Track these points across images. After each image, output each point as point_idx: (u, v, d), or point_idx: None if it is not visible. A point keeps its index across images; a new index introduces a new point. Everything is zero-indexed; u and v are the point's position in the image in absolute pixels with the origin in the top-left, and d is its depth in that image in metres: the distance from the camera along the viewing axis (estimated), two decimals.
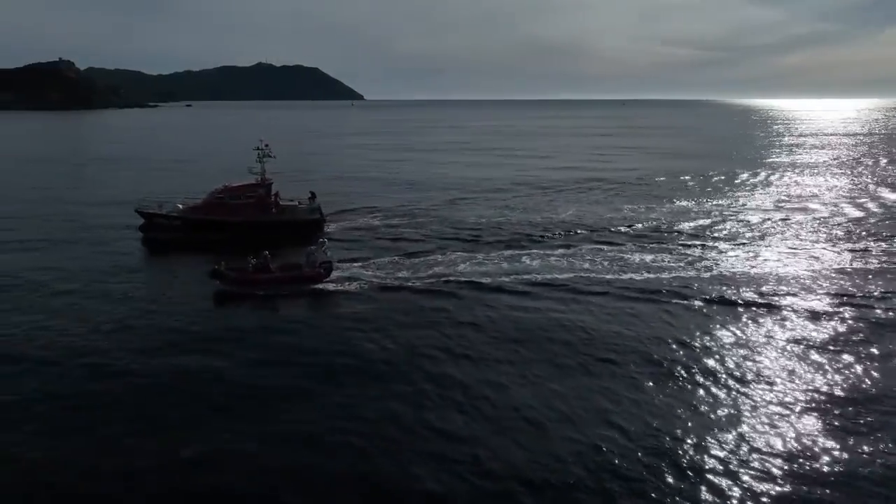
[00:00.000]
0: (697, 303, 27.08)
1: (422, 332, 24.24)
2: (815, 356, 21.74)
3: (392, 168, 79.11)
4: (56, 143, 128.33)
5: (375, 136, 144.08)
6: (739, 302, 27.09)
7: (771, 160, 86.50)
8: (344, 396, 19.30)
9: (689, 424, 17.35)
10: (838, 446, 16.38)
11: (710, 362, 21.33)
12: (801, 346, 22.50)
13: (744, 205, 50.34)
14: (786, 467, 15.46)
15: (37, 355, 22.12)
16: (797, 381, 19.92)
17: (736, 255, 34.29)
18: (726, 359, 21.58)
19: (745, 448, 16.26)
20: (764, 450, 16.18)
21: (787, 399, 18.79)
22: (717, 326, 24.43)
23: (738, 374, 20.47)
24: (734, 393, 19.23)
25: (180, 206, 41.22)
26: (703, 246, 36.28)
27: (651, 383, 19.91)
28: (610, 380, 20.26)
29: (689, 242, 37.16)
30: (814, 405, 18.48)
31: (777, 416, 17.80)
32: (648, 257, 34.10)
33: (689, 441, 16.56)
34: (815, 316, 25.40)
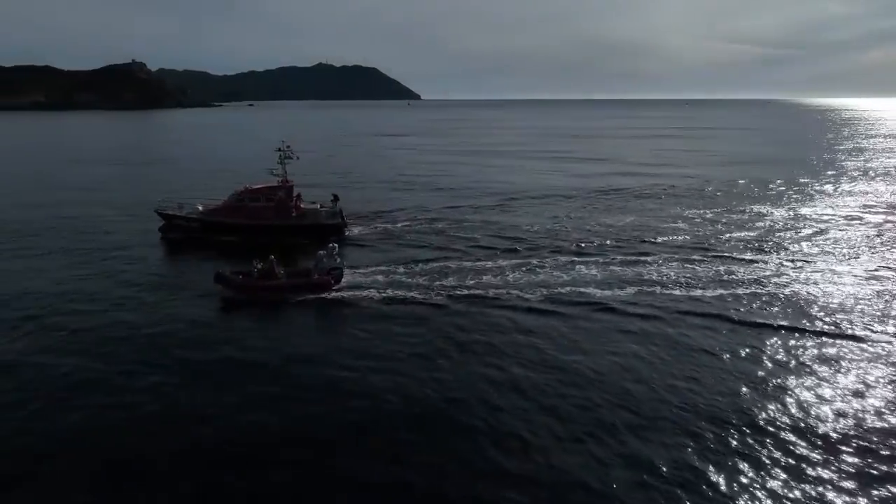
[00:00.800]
0: (776, 331, 23.55)
1: (434, 353, 21.74)
2: None
3: (439, 170, 76.27)
4: (120, 140, 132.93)
5: (426, 137, 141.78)
6: (827, 331, 23.57)
7: (850, 164, 79.84)
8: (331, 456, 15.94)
9: None
10: None
11: (792, 415, 17.81)
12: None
13: (820, 215, 45.63)
14: None
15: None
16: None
17: (814, 274, 30.43)
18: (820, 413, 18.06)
19: None
20: None
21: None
22: (800, 360, 20.91)
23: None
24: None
25: (200, 207, 40.80)
26: (775, 262, 32.37)
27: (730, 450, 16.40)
28: (691, 445, 16.16)
29: (759, 257, 33.31)
30: None
31: None
32: (721, 268, 31.23)
33: None
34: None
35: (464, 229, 41.14)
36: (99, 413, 17.92)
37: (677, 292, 27.63)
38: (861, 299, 26.84)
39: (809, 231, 40.20)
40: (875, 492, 14.41)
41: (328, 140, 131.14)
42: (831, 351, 21.80)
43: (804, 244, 36.69)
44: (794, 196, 54.37)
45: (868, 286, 28.64)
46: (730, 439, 16.43)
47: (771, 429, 16.95)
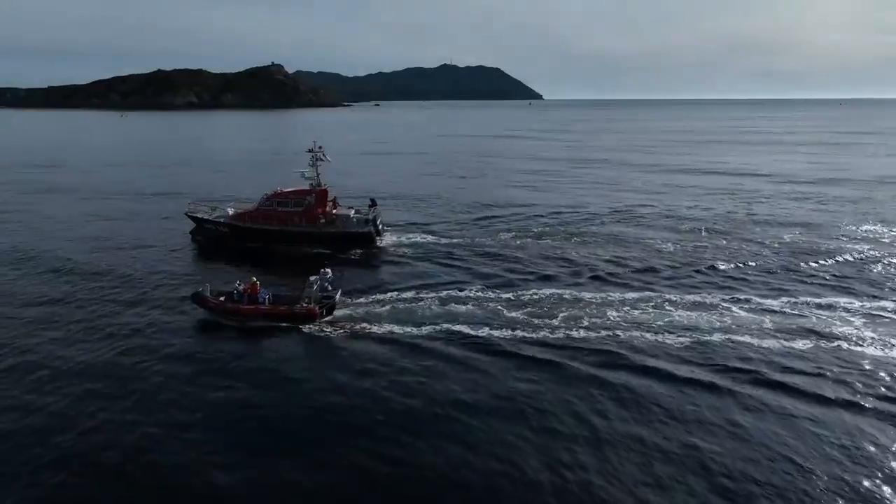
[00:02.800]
0: None
1: (428, 425, 17.41)
2: None
3: (532, 178, 68.74)
4: (257, 136, 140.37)
5: (532, 140, 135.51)
6: None
7: None
8: None
9: None
10: None
11: None
12: None
13: None
14: None
15: None
16: None
17: None
18: None
19: None
20: None
21: None
22: None
23: None
24: None
25: (230, 210, 39.40)
26: None
27: None
28: None
29: None
30: None
31: None
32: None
33: None
34: None
35: (525, 252, 35.44)
36: None
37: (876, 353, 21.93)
38: None
39: None
40: None
41: (426, 141, 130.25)
42: None
43: None
44: None
45: None
46: None
47: None
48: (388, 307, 26.06)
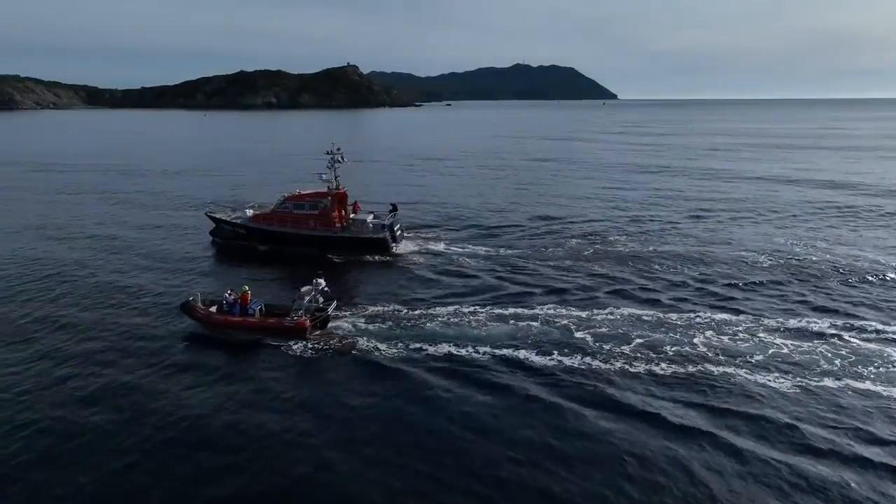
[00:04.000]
0: None
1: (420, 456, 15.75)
2: None
3: (606, 181, 65.35)
4: (330, 135, 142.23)
5: (607, 141, 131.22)
6: None
7: None
8: None
9: None
10: None
11: None
12: None
13: None
14: None
15: None
16: None
17: None
18: None
19: None
20: None
21: None
22: None
23: None
24: None
25: (250, 211, 39.01)
26: None
27: None
28: None
29: None
30: None
31: None
32: None
33: None
34: None
35: (554, 262, 33.05)
36: None
37: None
38: None
39: None
40: None
41: (484, 142, 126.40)
42: None
43: None
44: None
45: None
46: None
47: None
48: (388, 323, 24.25)
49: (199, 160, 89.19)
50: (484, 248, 36.19)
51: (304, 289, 24.02)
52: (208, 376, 20.25)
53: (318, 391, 19.23)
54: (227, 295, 24.33)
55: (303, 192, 37.70)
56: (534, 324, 23.93)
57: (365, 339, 22.71)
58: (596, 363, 20.60)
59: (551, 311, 25.31)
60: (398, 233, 36.83)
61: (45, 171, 75.35)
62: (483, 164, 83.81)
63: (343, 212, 37.01)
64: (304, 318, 23.08)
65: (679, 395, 18.61)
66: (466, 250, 35.84)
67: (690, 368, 20.26)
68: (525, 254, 34.98)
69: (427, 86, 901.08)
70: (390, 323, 24.27)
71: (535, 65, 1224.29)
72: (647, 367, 20.28)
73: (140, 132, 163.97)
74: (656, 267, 32.11)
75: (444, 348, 21.81)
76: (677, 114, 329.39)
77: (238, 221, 38.13)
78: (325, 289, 24.50)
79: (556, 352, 21.41)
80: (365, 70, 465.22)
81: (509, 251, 35.65)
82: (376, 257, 34.64)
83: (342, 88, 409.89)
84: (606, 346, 21.86)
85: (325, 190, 36.76)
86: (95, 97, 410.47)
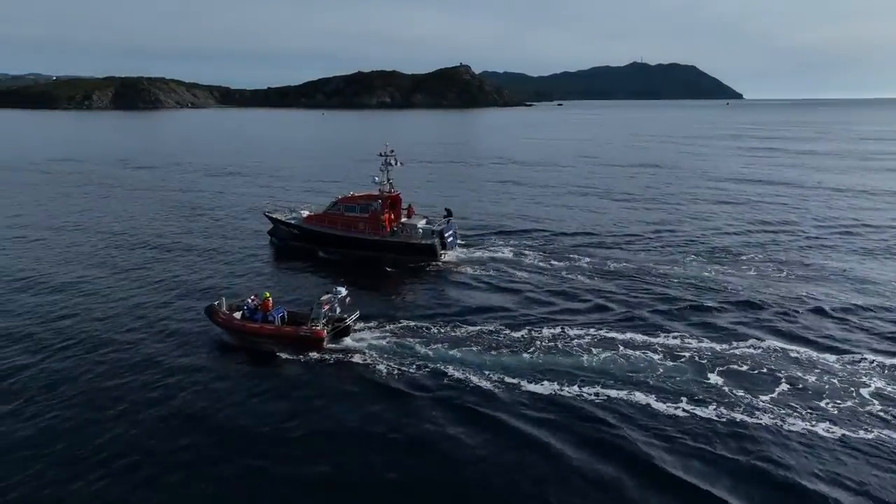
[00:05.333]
0: None
1: None
2: None
3: (723, 192, 58.81)
4: (440, 135, 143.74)
5: (728, 147, 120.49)
6: None
7: None
8: None
9: None
10: None
11: None
12: None
13: None
14: None
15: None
16: None
17: None
18: None
19: None
20: None
21: None
22: None
23: None
24: None
25: (305, 212, 38.50)
26: None
27: None
28: None
29: None
30: None
31: None
32: None
33: None
34: None
35: (617, 279, 30.23)
36: None
37: None
38: None
39: None
40: None
41: (583, 144, 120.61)
42: None
43: None
44: None
45: None
46: None
47: None
48: (416, 339, 22.68)
49: (313, 157, 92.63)
50: (550, 261, 33.64)
51: (323, 297, 22.95)
52: (204, 377, 20.27)
53: (311, 412, 18.01)
54: (250, 301, 23.83)
55: (355, 195, 37.36)
56: (604, 354, 21.45)
57: (376, 355, 21.53)
58: (721, 412, 17.72)
59: (635, 340, 22.77)
60: (449, 239, 35.40)
61: (173, 168, 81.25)
62: (579, 168, 79.73)
63: (393, 216, 36.32)
64: (320, 328, 22.25)
65: (865, 472, 15.25)
66: (527, 262, 33.63)
67: (864, 433, 16.67)
68: (628, 269, 31.93)
69: (538, 85, 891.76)
70: (414, 340, 22.74)
71: (652, 63, 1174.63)
72: (807, 424, 17.19)
73: (267, 129, 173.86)
74: (802, 292, 28.29)
75: (469, 378, 19.79)
76: (811, 114, 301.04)
77: (292, 222, 38.31)
78: (347, 298, 23.47)
79: (653, 395, 18.59)
80: (477, 70, 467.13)
81: (587, 266, 32.82)
82: (425, 264, 33.42)
83: (453, 88, 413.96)
84: (741, 392, 19.00)
85: (377, 192, 36.19)
86: (227, 97, 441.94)
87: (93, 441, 16.59)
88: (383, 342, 22.66)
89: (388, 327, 24.12)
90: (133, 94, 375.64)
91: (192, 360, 21.78)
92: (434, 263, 33.55)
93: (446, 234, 35.22)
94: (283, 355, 21.81)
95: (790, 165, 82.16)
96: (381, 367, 20.68)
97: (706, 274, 31.35)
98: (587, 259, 34.03)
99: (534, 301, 27.43)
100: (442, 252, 34.53)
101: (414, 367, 20.59)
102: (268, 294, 23.91)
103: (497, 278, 30.97)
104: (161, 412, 18.09)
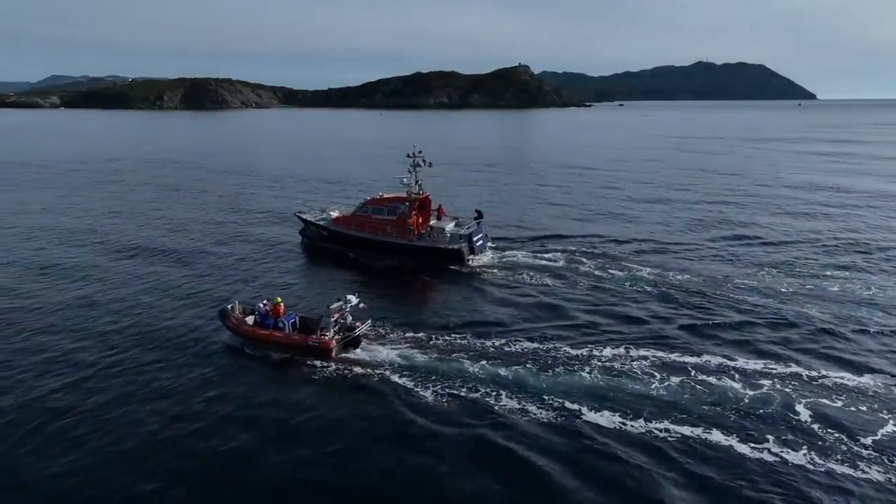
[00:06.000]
0: None
1: None
2: None
3: (792, 201, 54.29)
4: (498, 135, 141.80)
5: (794, 152, 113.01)
6: None
7: None
8: None
9: None
10: None
11: None
12: None
13: None
14: None
15: None
16: None
17: None
18: None
19: None
20: None
21: None
22: None
23: None
24: None
25: (334, 213, 38.05)
26: None
27: None
28: None
29: None
30: None
31: None
32: None
33: None
34: None
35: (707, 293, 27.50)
36: None
37: None
38: None
39: None
40: None
41: (639, 148, 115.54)
42: None
43: None
44: None
45: None
46: None
47: None
48: (434, 353, 21.38)
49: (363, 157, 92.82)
50: (605, 270, 31.66)
51: (332, 305, 22.20)
52: (203, 384, 19.86)
53: (309, 428, 17.11)
54: (262, 305, 23.13)
55: (384, 196, 36.46)
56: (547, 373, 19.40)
57: (388, 369, 20.42)
58: (814, 459, 15.65)
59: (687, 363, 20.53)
60: (479, 243, 34.14)
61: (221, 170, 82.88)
62: (638, 172, 75.78)
63: (421, 218, 35.27)
64: (328, 337, 21.42)
65: None
66: (574, 270, 31.76)
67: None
68: (694, 281, 29.45)
69: (599, 85, 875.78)
70: (432, 353, 21.46)
71: (719, 62, 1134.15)
72: None
73: (327, 129, 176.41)
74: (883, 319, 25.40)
75: (493, 401, 18.29)
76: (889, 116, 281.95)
77: (321, 223, 38.03)
78: (360, 305, 22.69)
79: (734, 435, 16.57)
80: (536, 70, 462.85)
81: (647, 276, 30.60)
82: (452, 268, 32.38)
83: (511, 88, 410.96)
84: (836, 433, 16.80)
85: (404, 194, 35.20)
86: (290, 97, 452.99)
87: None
88: (397, 354, 21.60)
89: (405, 337, 23.15)
90: (201, 95, 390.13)
91: (201, 360, 21.73)
92: (462, 268, 32.57)
93: (475, 238, 34.13)
94: (291, 365, 21.20)
95: (878, 174, 76.20)
96: (391, 382, 19.59)
97: (783, 289, 28.90)
98: (647, 269, 31.93)
99: (576, 314, 25.53)
100: (470, 256, 33.50)
101: (428, 384, 19.33)
102: (279, 299, 23.32)
103: (534, 287, 29.27)
104: (162, 416, 17.95)
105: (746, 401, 18.47)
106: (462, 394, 18.81)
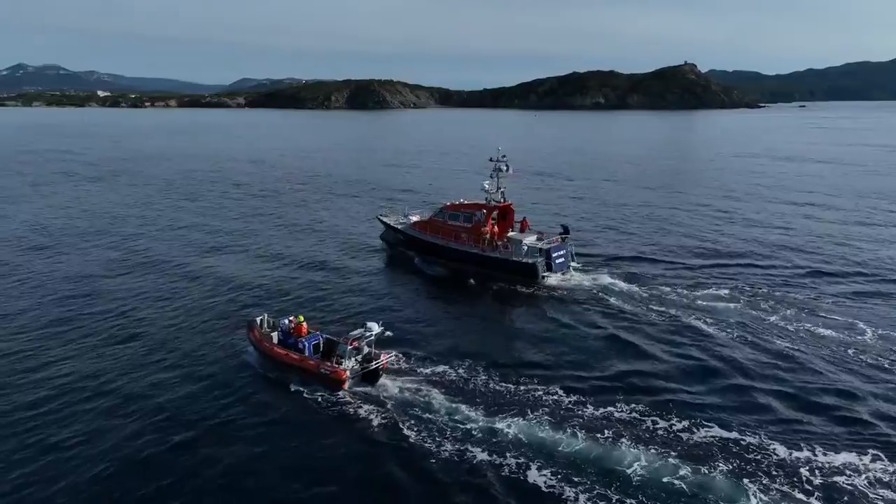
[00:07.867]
0: None
1: None
2: None
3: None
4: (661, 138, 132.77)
5: None
6: None
7: None
8: None
9: None
10: None
11: None
12: None
13: None
14: None
15: None
16: None
17: None
18: None
19: None
20: None
21: None
22: None
23: None
24: None
25: (413, 217, 36.87)
26: None
27: None
28: None
29: None
30: None
31: None
32: None
33: None
34: None
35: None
36: None
37: None
38: None
39: None
40: None
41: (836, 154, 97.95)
42: None
43: None
44: None
45: None
46: None
47: None
48: (452, 400, 18.13)
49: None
50: (683, 296, 27.75)
51: (352, 333, 20.72)
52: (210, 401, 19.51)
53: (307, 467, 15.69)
54: (287, 322, 22.00)
55: (464, 203, 35.10)
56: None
57: (403, 412, 17.60)
58: None
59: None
60: (559, 261, 31.32)
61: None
62: (804, 188, 65.87)
63: (498, 228, 33.22)
64: (343, 367, 19.72)
65: None
66: (652, 294, 27.83)
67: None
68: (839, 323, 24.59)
69: (775, 84, 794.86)
70: (462, 395, 18.45)
71: None
72: None
73: (481, 129, 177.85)
74: None
75: (514, 472, 14.81)
76: None
77: (399, 227, 37.55)
78: (387, 333, 20.74)
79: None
80: (703, 69, 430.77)
81: (780, 322, 25.43)
82: (525, 287, 30.10)
83: (674, 88, 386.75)
84: None
85: (483, 202, 33.53)
86: (446, 98, 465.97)
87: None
88: (417, 397, 18.98)
89: (431, 374, 20.60)
90: (364, 96, 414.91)
91: (216, 369, 21.84)
92: (535, 286, 30.21)
93: (554, 254, 31.49)
94: (302, 393, 19.88)
95: None
96: (397, 432, 17.04)
97: None
98: (787, 310, 26.81)
99: (646, 364, 21.31)
100: (545, 274, 30.88)
101: (442, 441, 16.25)
102: (301, 318, 22.16)
103: (622, 318, 25.38)
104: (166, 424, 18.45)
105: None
106: (480, 459, 15.52)
